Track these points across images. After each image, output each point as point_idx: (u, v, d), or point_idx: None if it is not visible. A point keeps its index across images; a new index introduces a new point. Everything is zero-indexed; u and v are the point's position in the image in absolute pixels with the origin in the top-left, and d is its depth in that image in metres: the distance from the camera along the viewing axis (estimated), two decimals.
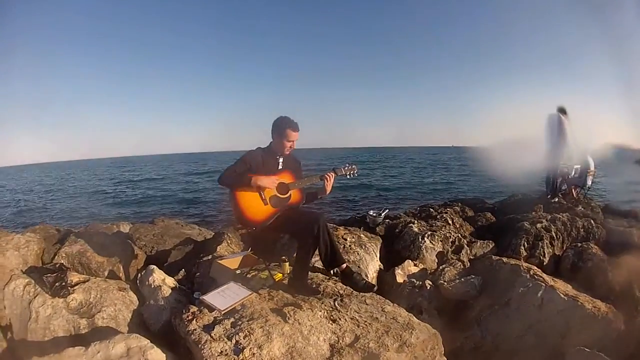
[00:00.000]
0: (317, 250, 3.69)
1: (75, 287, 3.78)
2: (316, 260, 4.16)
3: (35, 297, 3.57)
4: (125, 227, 7.47)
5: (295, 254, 3.84)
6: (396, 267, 5.17)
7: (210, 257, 4.93)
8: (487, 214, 8.40)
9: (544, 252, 5.93)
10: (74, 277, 3.94)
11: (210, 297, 3.48)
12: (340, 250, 4.01)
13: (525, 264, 4.84)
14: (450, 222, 7.45)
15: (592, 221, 6.83)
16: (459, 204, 9.83)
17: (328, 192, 4.10)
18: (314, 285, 3.94)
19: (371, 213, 7.80)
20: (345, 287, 3.91)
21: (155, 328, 3.61)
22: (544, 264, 5.76)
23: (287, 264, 4.16)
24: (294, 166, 4.20)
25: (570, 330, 3.71)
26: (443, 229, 6.47)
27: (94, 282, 3.94)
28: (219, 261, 4.37)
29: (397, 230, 6.63)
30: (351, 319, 3.34)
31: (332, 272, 4.23)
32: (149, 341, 2.99)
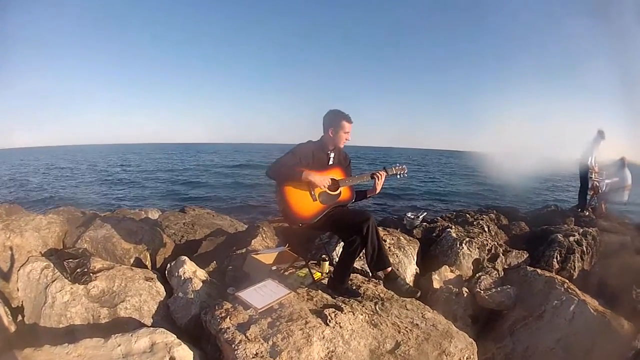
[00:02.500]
0: (364, 251, 3.48)
1: (97, 274, 3.65)
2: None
3: (52, 282, 3.44)
4: (154, 214, 7.46)
5: (338, 253, 3.67)
6: (433, 272, 5.02)
7: (244, 250, 4.74)
8: (521, 223, 8.24)
9: (574, 265, 5.76)
10: (97, 264, 3.81)
11: (246, 294, 3.29)
12: None
13: (559, 277, 4.75)
14: (486, 229, 7.28)
15: (618, 237, 6.82)
16: (494, 211, 9.71)
17: (378, 191, 3.92)
18: (354, 287, 3.81)
19: (409, 215, 7.61)
20: (385, 290, 3.77)
21: (181, 322, 3.45)
22: (574, 277, 5.59)
23: (327, 263, 4.02)
24: (345, 162, 4.01)
25: (595, 347, 3.65)
26: (480, 236, 6.30)
27: (118, 270, 3.80)
28: (254, 255, 4.20)
29: (434, 234, 6.48)
30: (392, 324, 3.20)
31: (371, 274, 4.08)
32: (175, 337, 2.84)
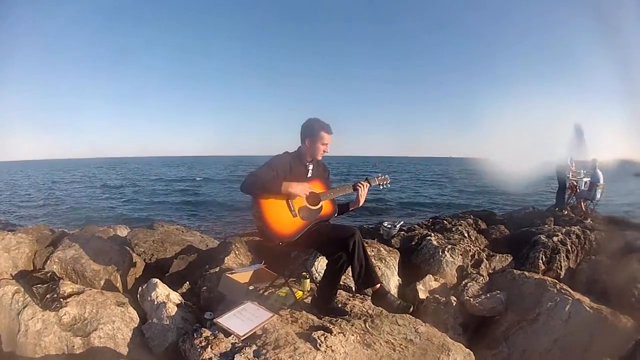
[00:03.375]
0: (350, 268, 3.28)
1: (68, 300, 3.46)
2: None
3: (24, 308, 3.30)
4: (122, 231, 7.23)
5: (318, 269, 3.46)
6: (417, 283, 4.90)
7: (217, 269, 4.51)
8: (500, 227, 8.36)
9: (561, 265, 5.89)
10: (66, 288, 3.62)
11: (225, 320, 3.04)
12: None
13: (550, 279, 4.74)
14: (466, 234, 7.33)
15: (603, 234, 6.94)
16: (471, 216, 9.79)
17: (361, 203, 3.71)
18: (339, 305, 3.63)
19: (385, 224, 7.49)
20: (372, 305, 3.60)
21: (159, 350, 3.26)
22: (561, 277, 5.69)
23: (308, 280, 3.84)
24: (324, 174, 3.80)
25: (593, 342, 3.66)
26: (461, 242, 6.29)
27: (89, 295, 3.60)
28: (229, 275, 3.96)
29: (413, 243, 6.40)
30: (386, 342, 3.06)
31: (354, 289, 3.96)
32: None
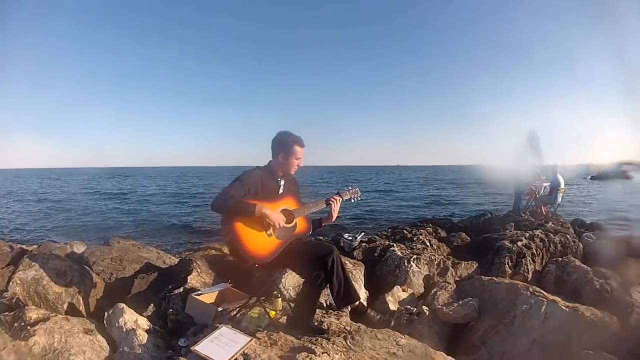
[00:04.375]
0: (329, 286, 3.23)
1: (35, 328, 3.26)
2: None
3: None
4: (79, 247, 7.04)
5: (286, 286, 3.57)
6: (386, 294, 4.91)
7: (181, 289, 4.34)
8: (461, 234, 8.49)
9: (527, 268, 6.07)
10: (32, 314, 3.42)
11: (203, 348, 2.89)
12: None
13: (521, 282, 4.86)
14: (427, 243, 7.45)
15: (568, 236, 7.11)
16: (430, 224, 10.07)
17: (334, 218, 3.65)
18: (316, 323, 3.52)
19: (346, 236, 7.50)
20: (349, 322, 3.58)
21: None
22: (528, 280, 5.84)
23: (279, 299, 3.76)
24: (295, 189, 3.71)
25: (572, 339, 3.73)
26: (425, 252, 6.40)
27: (55, 322, 3.39)
28: (195, 296, 3.85)
29: (375, 255, 6.47)
30: (370, 358, 2.97)
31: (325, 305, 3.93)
32: None
